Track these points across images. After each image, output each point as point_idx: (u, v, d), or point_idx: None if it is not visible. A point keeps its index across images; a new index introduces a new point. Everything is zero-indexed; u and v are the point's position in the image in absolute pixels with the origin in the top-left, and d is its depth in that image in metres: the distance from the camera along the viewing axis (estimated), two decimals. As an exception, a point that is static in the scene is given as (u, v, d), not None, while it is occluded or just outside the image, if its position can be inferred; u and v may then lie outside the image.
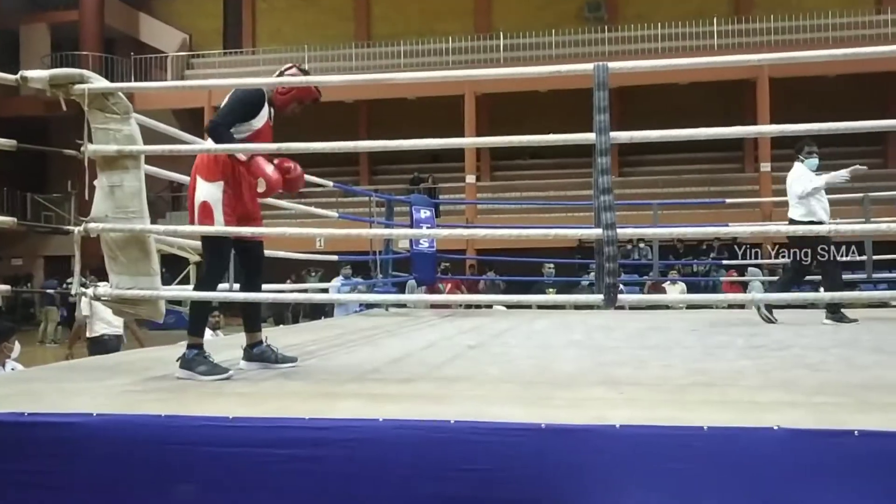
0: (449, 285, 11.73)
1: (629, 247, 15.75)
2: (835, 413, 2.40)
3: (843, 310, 5.91)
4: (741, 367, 3.53)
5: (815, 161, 6.17)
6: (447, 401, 2.71)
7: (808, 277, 6.39)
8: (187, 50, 24.26)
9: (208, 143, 3.54)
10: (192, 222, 3.34)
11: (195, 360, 3.23)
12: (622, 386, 3.00)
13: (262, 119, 3.49)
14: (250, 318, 3.58)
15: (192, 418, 2.45)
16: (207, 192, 3.33)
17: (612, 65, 2.85)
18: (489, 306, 9.28)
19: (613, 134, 2.83)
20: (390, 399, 2.76)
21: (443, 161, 21.75)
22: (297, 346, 4.63)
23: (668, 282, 11.27)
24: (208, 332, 6.65)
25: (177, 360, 3.27)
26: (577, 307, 7.48)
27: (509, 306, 8.47)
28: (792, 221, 6.09)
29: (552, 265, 13.30)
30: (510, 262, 13.54)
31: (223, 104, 3.49)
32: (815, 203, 6.02)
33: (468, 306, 9.15)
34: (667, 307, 8.70)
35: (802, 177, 6.08)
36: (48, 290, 14.93)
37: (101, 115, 3.17)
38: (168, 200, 23.59)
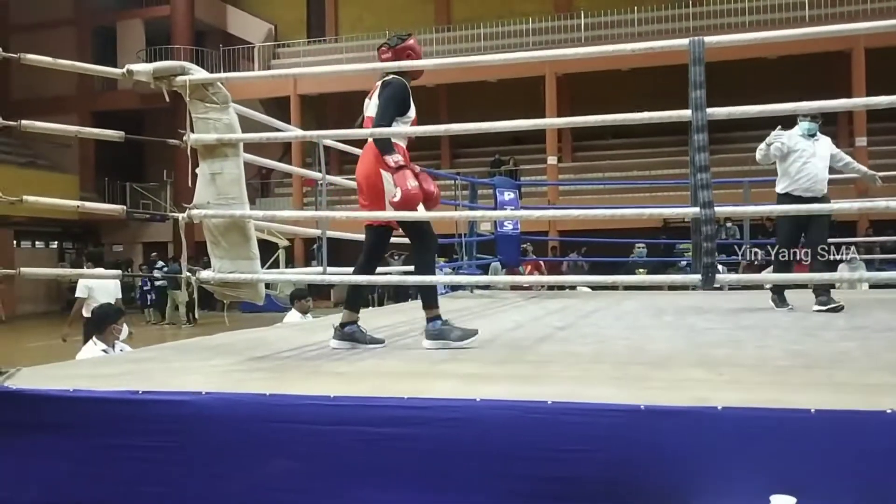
0: (529, 267, 11.72)
1: (716, 227, 15.34)
2: (951, 396, 2.30)
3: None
4: (845, 348, 3.42)
5: (805, 125, 5.54)
6: (542, 381, 2.72)
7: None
8: (273, 40, 24.79)
9: (297, 131, 3.64)
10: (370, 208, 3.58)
11: (445, 329, 3.60)
12: (720, 367, 2.95)
13: (413, 109, 3.68)
14: (422, 295, 3.75)
15: (294, 397, 2.52)
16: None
17: (708, 39, 2.79)
18: (573, 288, 9.23)
19: (710, 110, 2.77)
20: (485, 379, 2.78)
21: (524, 143, 21.65)
22: (388, 327, 4.72)
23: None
24: (298, 316, 6.87)
25: (425, 334, 3.62)
26: (670, 288, 7.36)
27: (596, 287, 8.40)
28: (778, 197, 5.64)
29: (643, 245, 13.10)
30: (595, 244, 13.38)
31: (377, 108, 3.61)
32: (795, 170, 5.50)
33: (551, 288, 9.12)
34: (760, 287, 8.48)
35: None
36: (174, 275, 15.60)
37: (202, 105, 3.28)
38: (257, 187, 24.27)
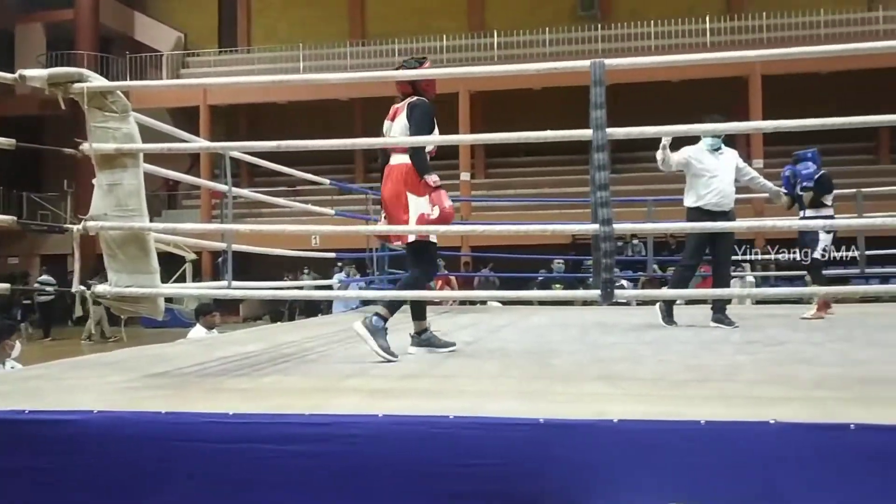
0: (440, 282, 11.76)
1: (621, 243, 15.79)
2: (832, 407, 2.42)
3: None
4: (738, 361, 3.56)
5: (709, 140, 5.67)
6: (446, 396, 2.73)
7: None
8: (182, 49, 24.21)
9: (203, 143, 3.57)
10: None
11: (431, 339, 3.97)
12: (620, 381, 3.02)
13: (436, 129, 3.94)
14: (413, 309, 4.05)
15: (193, 415, 2.46)
16: (420, 205, 3.78)
17: (608, 61, 2.88)
18: (483, 302, 9.30)
19: (610, 130, 2.85)
20: (390, 394, 2.78)
21: (438, 159, 21.65)
22: (296, 342, 4.66)
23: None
24: (203, 332, 6.69)
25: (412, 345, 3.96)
26: (574, 303, 7.52)
27: (505, 302, 8.49)
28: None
29: (562, 261, 13.37)
30: (506, 259, 13.57)
31: (411, 130, 3.83)
32: (701, 186, 5.64)
33: (462, 303, 9.18)
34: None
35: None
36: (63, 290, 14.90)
37: (100, 113, 3.17)
38: (164, 199, 23.59)
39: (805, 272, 7.04)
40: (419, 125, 3.80)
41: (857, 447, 2.12)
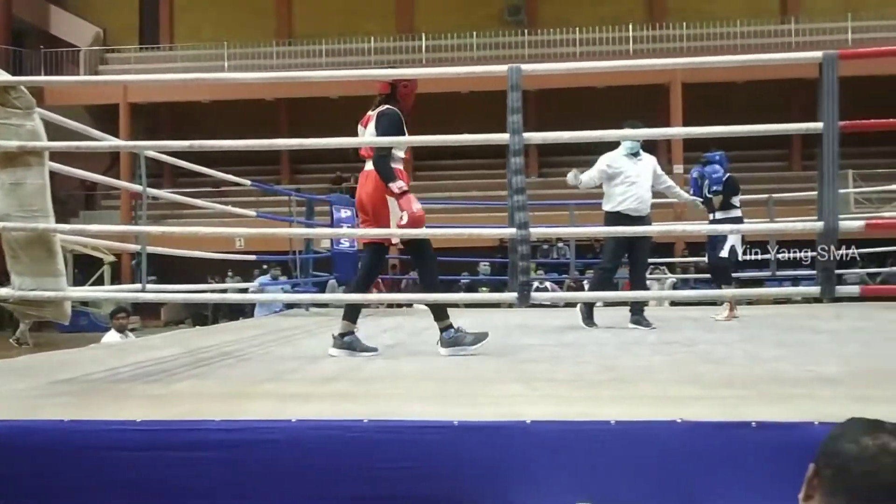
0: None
1: (545, 246, 16.03)
2: (736, 405, 2.49)
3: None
4: (653, 362, 3.64)
5: (628, 144, 5.78)
6: (363, 400, 2.71)
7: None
8: (101, 45, 23.48)
9: (115, 141, 3.47)
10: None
11: (458, 336, 3.91)
12: (537, 382, 3.05)
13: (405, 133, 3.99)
14: (432, 309, 4.03)
15: (96, 423, 2.37)
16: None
17: (525, 67, 2.91)
18: (410, 305, 9.29)
19: (527, 135, 2.89)
20: (306, 399, 2.74)
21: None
22: (215, 346, 4.56)
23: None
24: (118, 336, 6.50)
25: (440, 343, 3.95)
26: (501, 305, 7.58)
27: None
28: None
29: (487, 264, 13.45)
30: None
31: (375, 134, 3.89)
32: (619, 191, 5.78)
33: (390, 305, 9.15)
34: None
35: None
36: None
37: (2, 109, 3.04)
38: (81, 199, 22.83)
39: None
40: (385, 135, 3.87)
41: (757, 444, 2.19)
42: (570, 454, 2.26)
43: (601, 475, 2.24)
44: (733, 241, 6.48)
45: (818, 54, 2.89)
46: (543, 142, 3.01)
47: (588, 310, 5.69)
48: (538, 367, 3.52)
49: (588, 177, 5.85)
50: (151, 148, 4.04)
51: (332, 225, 8.33)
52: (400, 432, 2.30)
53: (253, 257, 8.26)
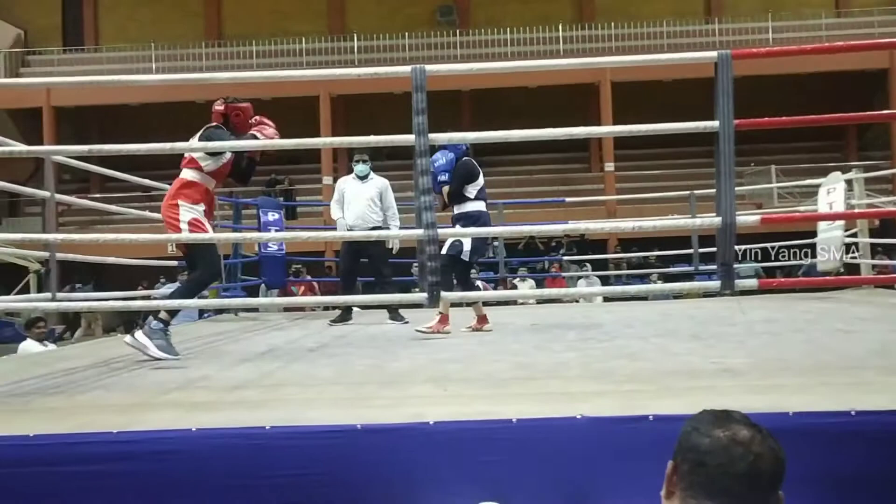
0: (302, 287, 11.60)
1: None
2: (637, 400, 2.54)
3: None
4: (566, 358, 3.68)
5: (357, 167, 6.71)
6: (269, 406, 2.68)
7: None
8: (22, 46, 22.71)
9: (19, 147, 3.36)
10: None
11: (157, 333, 3.91)
12: (448, 382, 3.06)
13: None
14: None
15: (-13, 438, 2.30)
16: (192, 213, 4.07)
17: (429, 68, 2.91)
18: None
19: (432, 135, 2.89)
20: (211, 407, 2.70)
21: (301, 163, 21.45)
22: (130, 355, 4.45)
23: (518, 278, 11.63)
24: (35, 345, 6.30)
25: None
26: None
27: (365, 307, 8.44)
28: None
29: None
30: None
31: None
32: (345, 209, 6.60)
33: (326, 309, 9.06)
34: (515, 303, 8.99)
35: None
36: None
37: None
38: (4, 205, 22.06)
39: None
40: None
41: (652, 437, 2.23)
42: (472, 454, 2.28)
43: (503, 474, 2.26)
44: (464, 239, 5.33)
45: (713, 54, 2.97)
46: (449, 142, 3.02)
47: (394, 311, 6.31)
48: (453, 366, 3.53)
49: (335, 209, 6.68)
50: (54, 153, 3.92)
51: (259, 228, 8.22)
52: (303, 438, 2.29)
53: (174, 263, 8.08)
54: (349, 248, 6.50)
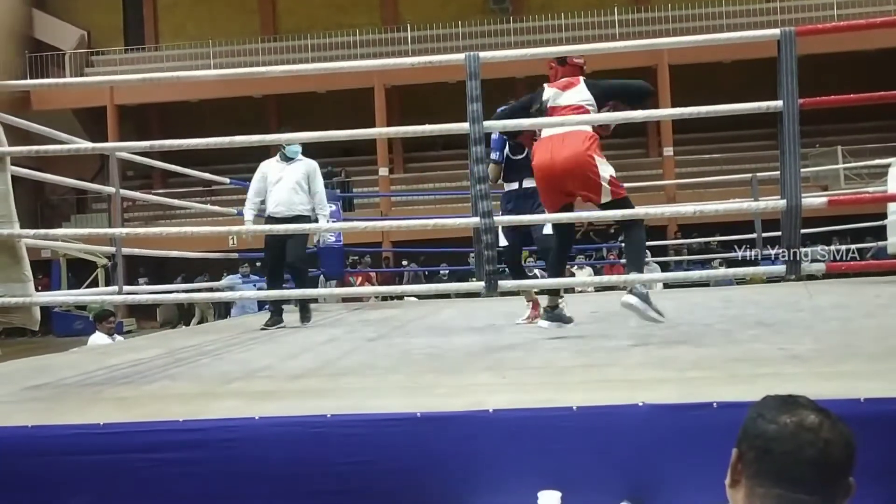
0: (360, 278, 11.71)
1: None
2: (701, 387, 2.49)
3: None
4: (626, 346, 3.64)
5: (287, 148, 5.87)
6: (330, 395, 2.70)
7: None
8: (86, 47, 23.37)
9: (84, 144, 3.45)
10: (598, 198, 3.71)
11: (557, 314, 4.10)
12: (507, 370, 3.05)
13: None
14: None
15: (59, 427, 2.37)
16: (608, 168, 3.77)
17: (483, 54, 2.89)
18: (401, 298, 9.29)
19: (486, 123, 2.87)
20: (273, 396, 2.73)
21: (355, 154, 21.63)
22: (195, 346, 4.56)
23: (576, 266, 11.52)
24: (104, 338, 6.49)
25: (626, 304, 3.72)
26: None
27: (423, 297, 8.49)
28: None
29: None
30: (429, 253, 13.58)
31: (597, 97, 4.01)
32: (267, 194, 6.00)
33: (385, 299, 9.13)
34: (574, 290, 8.91)
35: None
36: None
37: (-40, 117, 3.03)
38: (73, 203, 22.80)
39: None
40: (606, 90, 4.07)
41: (716, 424, 2.18)
42: (532, 441, 2.26)
43: (564, 462, 2.24)
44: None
45: (776, 31, 2.88)
46: (504, 129, 3.00)
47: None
48: (512, 354, 3.52)
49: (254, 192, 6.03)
50: (118, 149, 4.02)
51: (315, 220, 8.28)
52: (364, 426, 2.30)
53: (235, 255, 8.21)
54: (272, 241, 5.84)
